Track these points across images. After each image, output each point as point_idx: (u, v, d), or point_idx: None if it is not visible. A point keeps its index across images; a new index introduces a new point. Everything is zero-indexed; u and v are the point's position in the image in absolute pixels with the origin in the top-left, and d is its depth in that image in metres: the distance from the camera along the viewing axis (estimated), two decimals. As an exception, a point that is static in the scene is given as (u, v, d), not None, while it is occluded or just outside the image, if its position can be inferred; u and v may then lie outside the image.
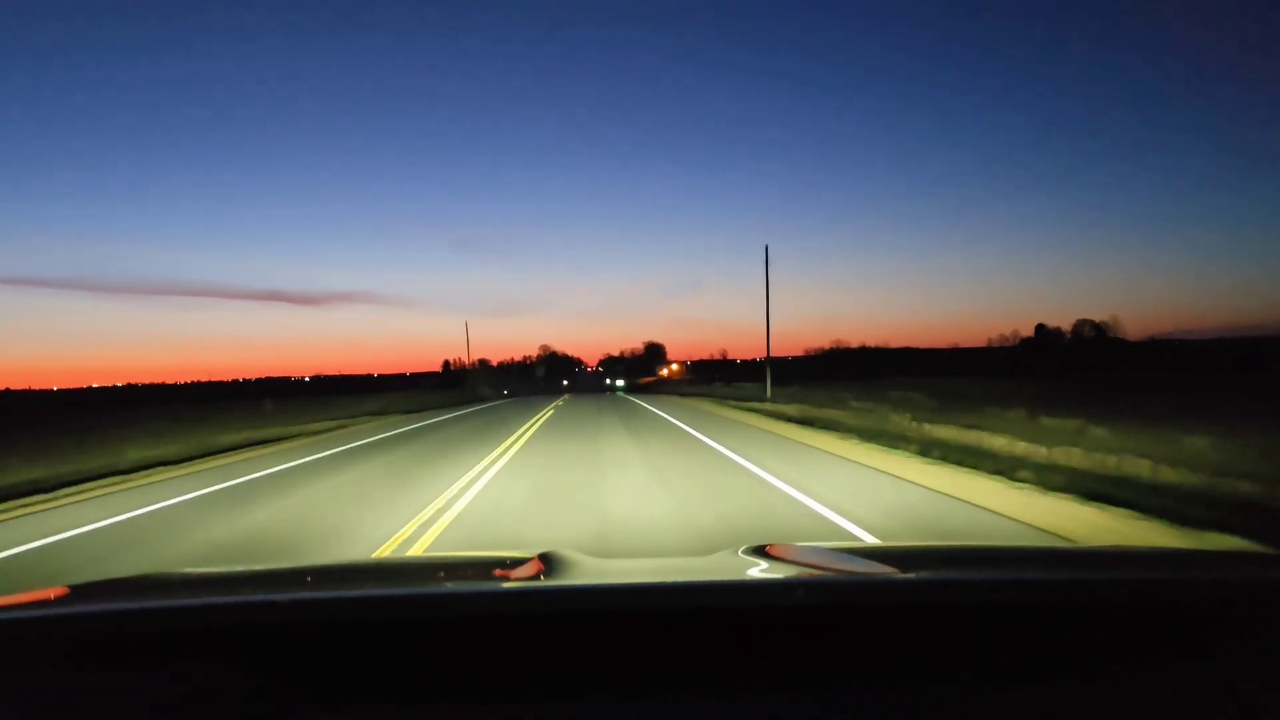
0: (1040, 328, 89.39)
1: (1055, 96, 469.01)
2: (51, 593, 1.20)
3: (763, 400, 25.02)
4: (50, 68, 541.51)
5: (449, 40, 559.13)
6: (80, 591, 1.27)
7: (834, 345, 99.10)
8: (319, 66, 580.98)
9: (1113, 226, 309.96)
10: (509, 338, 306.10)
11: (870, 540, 5.06)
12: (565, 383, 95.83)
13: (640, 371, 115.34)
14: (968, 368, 58.11)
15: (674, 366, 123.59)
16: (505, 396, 45.94)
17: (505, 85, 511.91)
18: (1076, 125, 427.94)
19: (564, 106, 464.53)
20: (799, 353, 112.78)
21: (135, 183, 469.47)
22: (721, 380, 53.07)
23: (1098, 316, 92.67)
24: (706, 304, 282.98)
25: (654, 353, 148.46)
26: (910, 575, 1.17)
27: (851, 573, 1.28)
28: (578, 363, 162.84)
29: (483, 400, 40.17)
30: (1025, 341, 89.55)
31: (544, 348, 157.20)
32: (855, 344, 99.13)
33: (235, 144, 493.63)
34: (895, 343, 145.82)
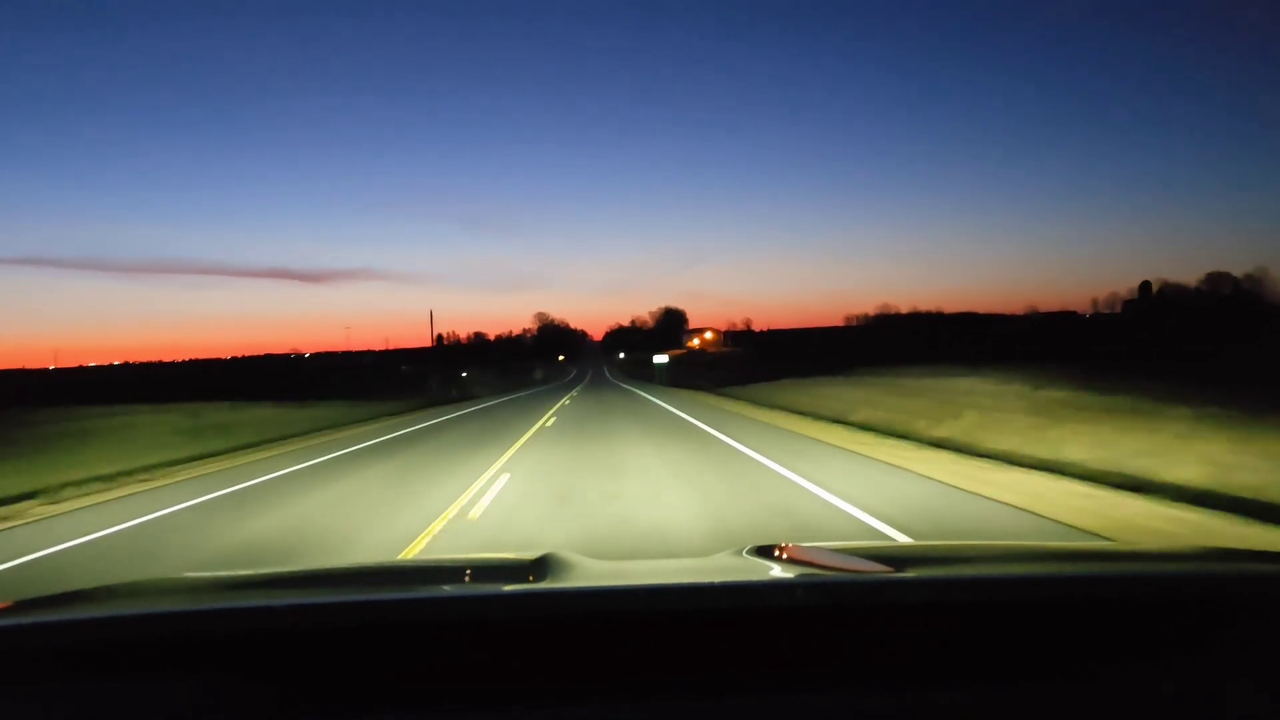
0: (1145, 286, 71.23)
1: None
2: (32, 602, 1.16)
3: None
4: (56, 47, 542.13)
5: (456, 19, 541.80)
6: (72, 598, 1.23)
7: (880, 311, 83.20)
8: (327, 45, 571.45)
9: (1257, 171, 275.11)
10: (511, 312, 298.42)
11: None
12: (561, 358, 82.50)
13: (656, 345, 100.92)
14: (1070, 338, 42.45)
15: (707, 335, 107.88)
16: (459, 396, 33.61)
17: (511, 63, 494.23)
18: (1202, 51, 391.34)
19: (569, 83, 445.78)
20: (838, 322, 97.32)
21: (143, 162, 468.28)
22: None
23: (1237, 270, 72.09)
24: (715, 277, 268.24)
25: (673, 321, 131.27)
26: (908, 574, 1.17)
27: (851, 572, 1.27)
28: (582, 335, 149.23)
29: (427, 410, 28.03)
30: (1127, 304, 71.98)
31: (540, 315, 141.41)
32: (905, 309, 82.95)
33: (243, 122, 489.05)
34: (949, 308, 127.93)
